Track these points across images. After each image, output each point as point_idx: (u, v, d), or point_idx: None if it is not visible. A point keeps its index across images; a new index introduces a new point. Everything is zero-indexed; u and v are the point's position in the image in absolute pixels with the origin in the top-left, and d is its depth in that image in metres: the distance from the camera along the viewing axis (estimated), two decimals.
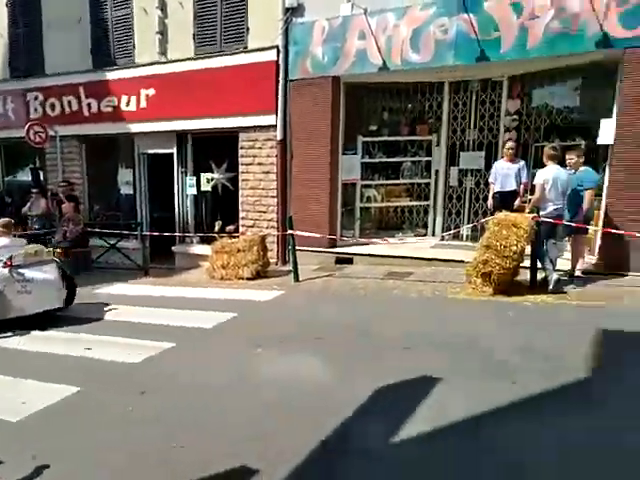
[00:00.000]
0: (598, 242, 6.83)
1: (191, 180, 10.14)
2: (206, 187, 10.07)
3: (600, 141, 6.76)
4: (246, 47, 9.06)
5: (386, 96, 8.93)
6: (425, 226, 8.89)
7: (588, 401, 3.41)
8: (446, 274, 7.07)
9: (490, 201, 7.34)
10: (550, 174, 6.08)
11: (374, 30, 7.92)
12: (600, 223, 6.68)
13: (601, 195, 6.86)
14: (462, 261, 6.63)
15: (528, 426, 3.11)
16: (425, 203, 8.89)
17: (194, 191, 10.15)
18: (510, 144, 7.13)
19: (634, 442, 2.88)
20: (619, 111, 6.53)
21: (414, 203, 8.98)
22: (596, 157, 7.14)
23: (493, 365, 4.02)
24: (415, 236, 8.72)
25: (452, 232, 8.14)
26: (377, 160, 9.00)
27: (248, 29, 9.01)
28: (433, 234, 8.67)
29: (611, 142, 6.59)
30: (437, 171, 8.65)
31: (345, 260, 8.44)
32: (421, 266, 7.62)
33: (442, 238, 8.39)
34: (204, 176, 10.05)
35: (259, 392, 3.82)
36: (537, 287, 6.09)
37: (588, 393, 3.54)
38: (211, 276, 8.44)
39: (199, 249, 9.99)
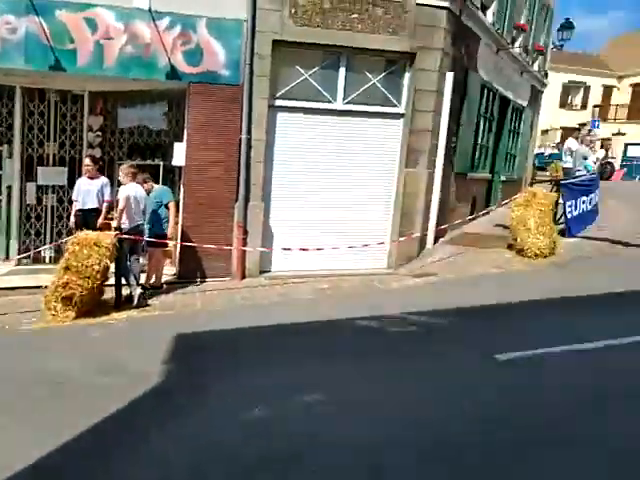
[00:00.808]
0: (177, 254, 7.49)
1: None
2: None
3: (174, 163, 7.44)
4: None
5: None
6: None
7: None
8: (23, 304, 6.23)
9: (72, 219, 6.96)
10: (131, 192, 6.25)
11: None
12: (178, 237, 7.33)
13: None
14: (43, 287, 5.99)
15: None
16: None
17: None
18: (87, 161, 6.94)
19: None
20: (188, 137, 7.33)
21: None
22: (174, 176, 7.83)
23: (77, 392, 3.73)
24: None
25: (30, 254, 7.29)
26: None
27: None
28: (7, 259, 7.52)
29: (183, 164, 7.33)
30: (10, 187, 7.57)
31: None
32: None
33: (19, 263, 7.39)
34: None
35: None
36: (124, 303, 6.15)
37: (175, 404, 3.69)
38: None
39: None
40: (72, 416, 3.40)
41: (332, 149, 7.86)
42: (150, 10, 6.82)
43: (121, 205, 6.17)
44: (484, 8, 10.17)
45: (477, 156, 11.08)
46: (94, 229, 6.26)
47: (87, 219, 6.68)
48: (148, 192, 6.72)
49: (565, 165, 12.61)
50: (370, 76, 7.93)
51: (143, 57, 6.99)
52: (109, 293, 6.21)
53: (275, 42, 7.34)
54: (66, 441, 3.06)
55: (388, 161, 8.08)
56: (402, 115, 8.05)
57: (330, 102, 7.83)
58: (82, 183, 6.92)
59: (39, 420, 3.38)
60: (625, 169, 26.46)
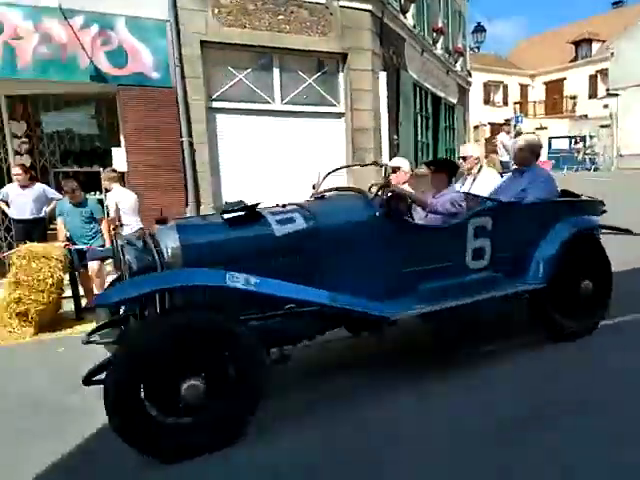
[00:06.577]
0: None
1: None
2: None
3: (116, 169, 7.57)
4: None
5: None
6: None
7: None
8: None
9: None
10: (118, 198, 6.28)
11: None
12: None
13: None
14: None
15: None
16: None
17: None
18: (16, 170, 6.80)
19: None
20: (125, 141, 7.43)
21: None
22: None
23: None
24: None
25: None
26: None
27: None
28: None
29: (125, 169, 7.38)
30: None
31: None
32: None
33: None
34: None
35: None
36: (84, 314, 6.02)
37: None
38: None
39: None
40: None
41: (275, 150, 8.29)
42: (60, 8, 6.67)
43: (113, 212, 6.21)
44: (404, 12, 11.31)
45: (419, 153, 12.02)
46: (39, 241, 6.26)
47: (29, 230, 6.65)
48: (78, 204, 6.32)
49: (502, 159, 13.92)
50: (305, 76, 8.58)
51: (60, 58, 6.89)
52: (69, 305, 6.20)
53: (203, 43, 7.63)
54: None
55: (335, 161, 8.66)
56: (342, 114, 8.78)
57: (268, 103, 8.34)
58: (13, 192, 6.77)
59: None
60: (553, 161, 29.02)
